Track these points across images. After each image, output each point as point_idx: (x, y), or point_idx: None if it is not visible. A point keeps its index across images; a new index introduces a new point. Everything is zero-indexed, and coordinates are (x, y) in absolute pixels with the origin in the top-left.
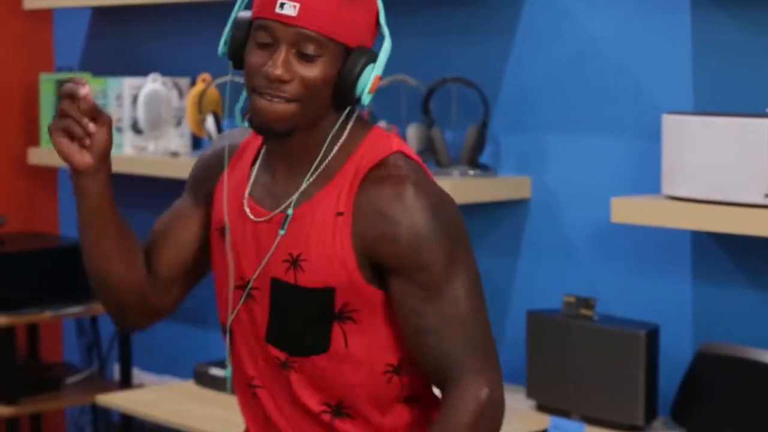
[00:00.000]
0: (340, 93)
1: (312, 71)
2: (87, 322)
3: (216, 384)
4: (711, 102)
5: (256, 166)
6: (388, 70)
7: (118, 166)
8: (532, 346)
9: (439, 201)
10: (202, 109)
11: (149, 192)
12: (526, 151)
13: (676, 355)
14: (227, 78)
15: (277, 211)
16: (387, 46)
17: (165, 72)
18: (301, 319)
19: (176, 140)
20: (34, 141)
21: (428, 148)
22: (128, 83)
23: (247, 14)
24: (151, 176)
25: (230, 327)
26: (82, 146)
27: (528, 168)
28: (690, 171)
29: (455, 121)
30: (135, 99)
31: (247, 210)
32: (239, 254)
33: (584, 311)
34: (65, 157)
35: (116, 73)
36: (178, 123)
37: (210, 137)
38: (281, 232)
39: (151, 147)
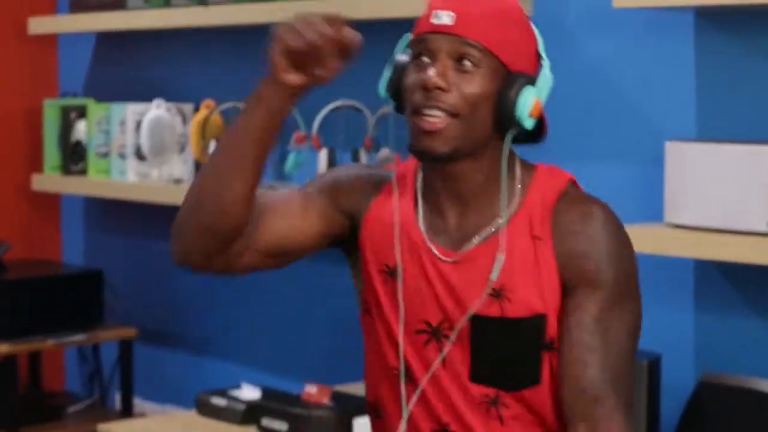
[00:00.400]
0: (500, 114)
1: (471, 84)
2: (89, 350)
3: (217, 413)
4: (714, 129)
5: (420, 205)
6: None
7: (121, 193)
8: None
9: (624, 230)
10: (205, 135)
11: (152, 219)
12: None
13: (678, 384)
14: (231, 104)
15: (466, 248)
16: (546, 72)
17: (169, 98)
18: (511, 351)
19: (180, 167)
20: (38, 167)
21: None
22: (132, 109)
23: (405, 57)
24: (154, 203)
25: (406, 375)
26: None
27: None
28: (693, 198)
29: None
30: (138, 125)
31: (434, 250)
32: (416, 298)
33: None
34: (277, 63)
35: (120, 98)
36: (182, 149)
37: None
38: (493, 277)
39: (154, 173)
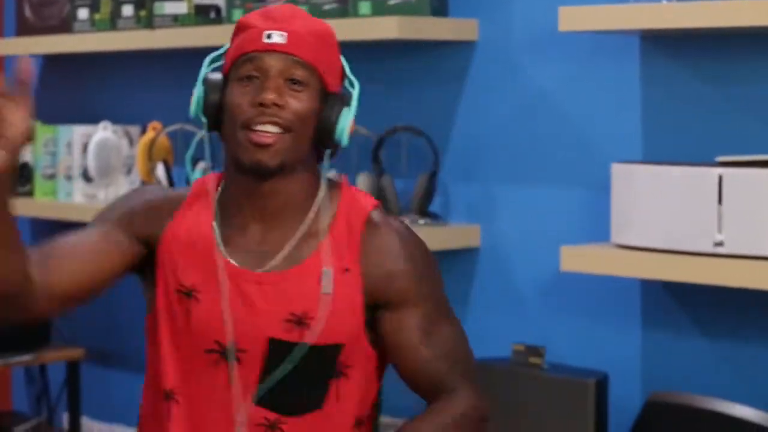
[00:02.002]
0: (322, 133)
1: (301, 101)
2: (36, 370)
3: None
4: (660, 151)
5: (216, 223)
6: None
7: (68, 214)
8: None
9: (423, 242)
10: (152, 157)
11: None
12: (475, 200)
13: (626, 404)
14: (178, 126)
15: (266, 268)
16: (356, 92)
17: (115, 120)
18: (301, 377)
19: (126, 188)
20: None
21: (379, 197)
22: (79, 131)
23: (217, 75)
24: None
25: (174, 393)
26: None
27: (477, 217)
28: (639, 220)
29: (405, 170)
30: (85, 147)
31: (234, 268)
32: (211, 317)
33: (533, 359)
34: None
35: (67, 121)
36: (129, 171)
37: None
38: (325, 292)
39: (101, 195)
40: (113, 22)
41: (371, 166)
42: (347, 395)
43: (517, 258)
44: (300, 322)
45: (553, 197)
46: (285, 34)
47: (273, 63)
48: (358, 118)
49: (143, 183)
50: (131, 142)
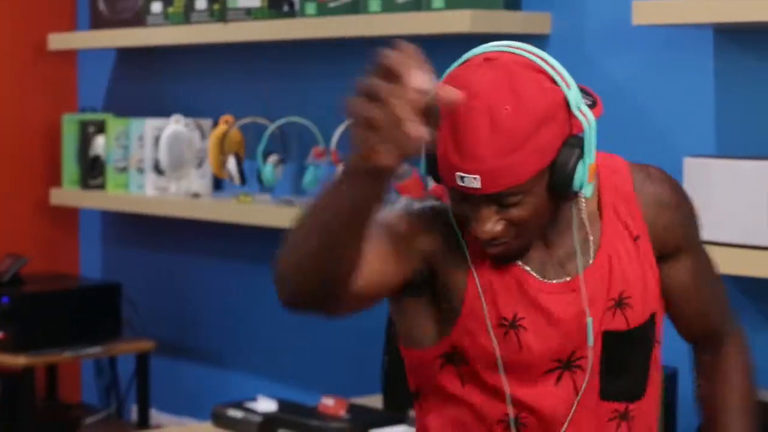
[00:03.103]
0: (562, 199)
1: (520, 212)
2: (105, 362)
3: (233, 425)
4: (733, 145)
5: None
6: None
7: (140, 207)
8: None
9: (680, 185)
10: (224, 150)
11: (170, 233)
12: None
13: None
14: (249, 119)
15: (575, 271)
16: (589, 126)
17: (187, 113)
18: (635, 358)
19: (198, 181)
20: (57, 182)
21: None
22: (150, 124)
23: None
24: (172, 217)
25: (519, 418)
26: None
27: None
28: (713, 214)
29: None
30: (157, 140)
31: (543, 284)
32: (542, 340)
33: None
34: (366, 152)
35: (139, 114)
36: (200, 164)
37: (231, 178)
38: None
39: (172, 188)
40: (186, 16)
41: None
42: (657, 358)
43: None
44: (620, 303)
45: None
46: (478, 177)
47: (478, 198)
48: None
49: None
50: (203, 135)
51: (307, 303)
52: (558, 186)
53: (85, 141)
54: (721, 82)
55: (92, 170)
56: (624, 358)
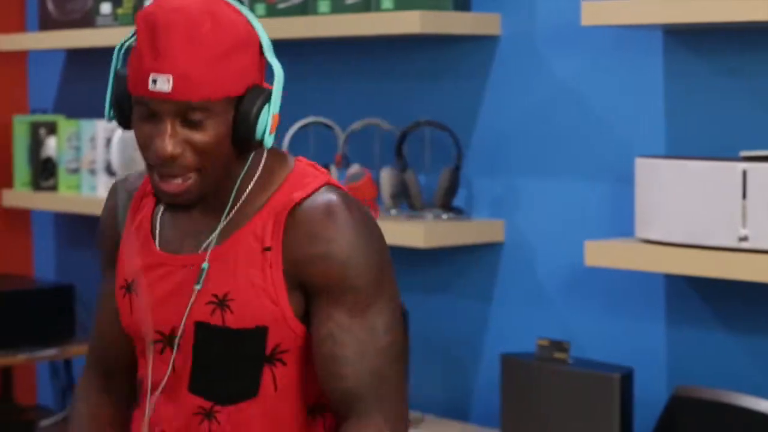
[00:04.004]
0: (239, 143)
1: (204, 136)
2: (61, 364)
3: None
4: (684, 145)
5: (160, 211)
6: (362, 113)
7: (92, 208)
8: (506, 389)
9: (371, 223)
10: None
11: None
12: (499, 194)
13: (651, 398)
14: None
15: (193, 251)
16: (278, 76)
17: None
18: (229, 362)
19: None
20: (8, 183)
21: (401, 192)
22: (102, 126)
23: (125, 73)
24: None
25: (148, 387)
26: None
27: (501, 211)
28: (663, 214)
29: (428, 165)
30: (109, 141)
31: (166, 257)
32: (152, 308)
33: (558, 354)
34: None
35: (90, 115)
36: None
37: None
38: (197, 287)
39: None
40: (136, 16)
41: (394, 161)
42: (287, 383)
43: (542, 253)
44: (222, 304)
45: (577, 192)
46: (170, 78)
47: (163, 109)
48: (382, 113)
49: None
50: None
51: None
52: (242, 125)
53: (36, 142)
54: (671, 83)
55: (44, 172)
56: (216, 356)
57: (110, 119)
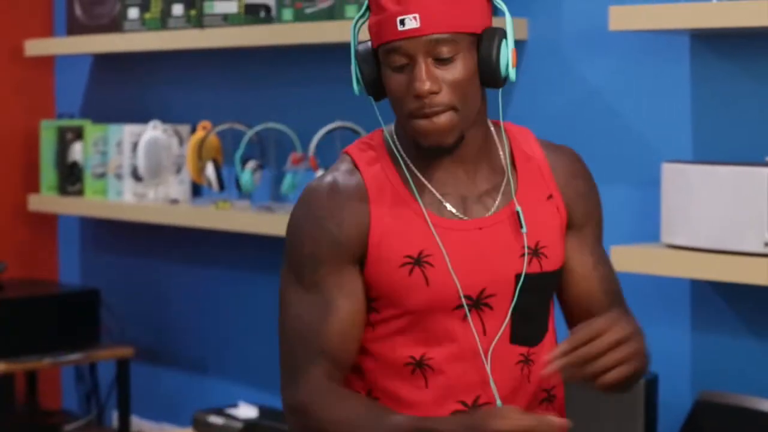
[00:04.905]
0: (488, 79)
1: (455, 72)
2: (86, 369)
3: (214, 431)
4: (710, 151)
5: (414, 186)
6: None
7: (118, 213)
8: None
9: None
10: (202, 156)
11: (149, 239)
12: None
13: (676, 403)
14: (227, 125)
15: (489, 212)
16: (509, 18)
17: (165, 119)
18: (541, 306)
19: (176, 187)
20: (35, 188)
21: None
22: (129, 130)
23: (366, 46)
24: (151, 223)
25: (424, 361)
26: None
27: None
28: (689, 219)
29: None
30: (135, 146)
31: (457, 222)
32: (449, 277)
33: None
34: None
35: (117, 120)
36: (178, 170)
37: (210, 185)
38: (524, 230)
39: (151, 194)
40: (163, 21)
41: None
42: (551, 313)
43: None
44: (536, 252)
45: (604, 196)
46: (417, 16)
47: (414, 48)
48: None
49: (306, 195)
50: (181, 142)
51: None
52: (487, 61)
53: (63, 147)
54: (698, 88)
55: (70, 176)
56: (536, 302)
57: (360, 93)
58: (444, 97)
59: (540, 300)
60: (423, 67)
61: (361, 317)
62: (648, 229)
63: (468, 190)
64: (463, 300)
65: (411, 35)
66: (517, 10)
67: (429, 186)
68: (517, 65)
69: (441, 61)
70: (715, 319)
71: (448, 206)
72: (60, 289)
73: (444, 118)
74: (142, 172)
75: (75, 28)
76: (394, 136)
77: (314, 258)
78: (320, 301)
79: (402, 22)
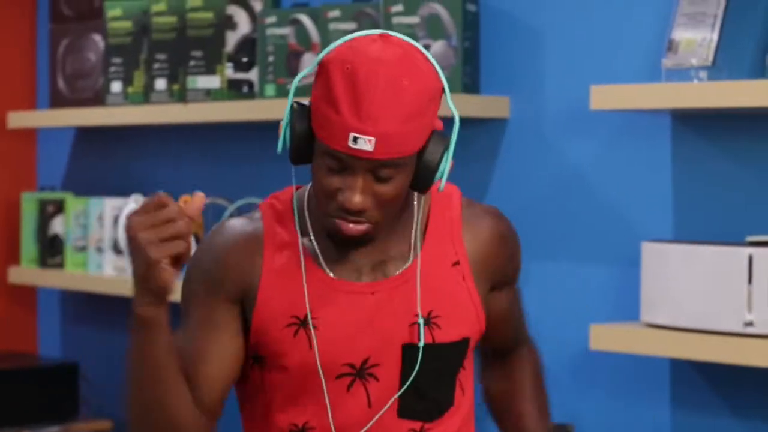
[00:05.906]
0: (419, 186)
1: (389, 190)
2: None
3: None
4: (691, 230)
5: (315, 245)
6: None
7: (98, 287)
8: None
9: (507, 218)
10: None
11: (129, 312)
12: None
13: None
14: (209, 200)
15: (381, 278)
16: (457, 125)
17: (147, 193)
18: (438, 379)
19: None
20: (15, 260)
21: None
22: (110, 203)
23: (305, 107)
24: (131, 297)
25: (307, 428)
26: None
27: None
28: (669, 299)
29: None
30: (116, 219)
31: (347, 287)
32: (334, 342)
33: None
34: (168, 284)
35: (98, 193)
36: None
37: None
38: (418, 310)
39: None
40: (146, 96)
41: None
42: (467, 385)
43: (547, 335)
44: (428, 322)
45: (583, 275)
46: (373, 140)
47: (360, 166)
48: None
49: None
50: None
51: None
52: (423, 171)
53: (44, 219)
54: (679, 168)
55: (51, 249)
56: (428, 374)
57: (283, 151)
58: (370, 213)
59: (437, 373)
60: (360, 183)
61: (234, 358)
62: (628, 308)
63: (371, 255)
64: (347, 368)
65: (360, 156)
66: (498, 89)
67: (331, 247)
68: (499, 143)
69: (379, 179)
70: (695, 399)
71: (346, 268)
72: (39, 362)
73: (363, 228)
74: (123, 245)
75: (58, 101)
76: (305, 197)
77: (197, 294)
78: (195, 340)
79: (355, 140)
